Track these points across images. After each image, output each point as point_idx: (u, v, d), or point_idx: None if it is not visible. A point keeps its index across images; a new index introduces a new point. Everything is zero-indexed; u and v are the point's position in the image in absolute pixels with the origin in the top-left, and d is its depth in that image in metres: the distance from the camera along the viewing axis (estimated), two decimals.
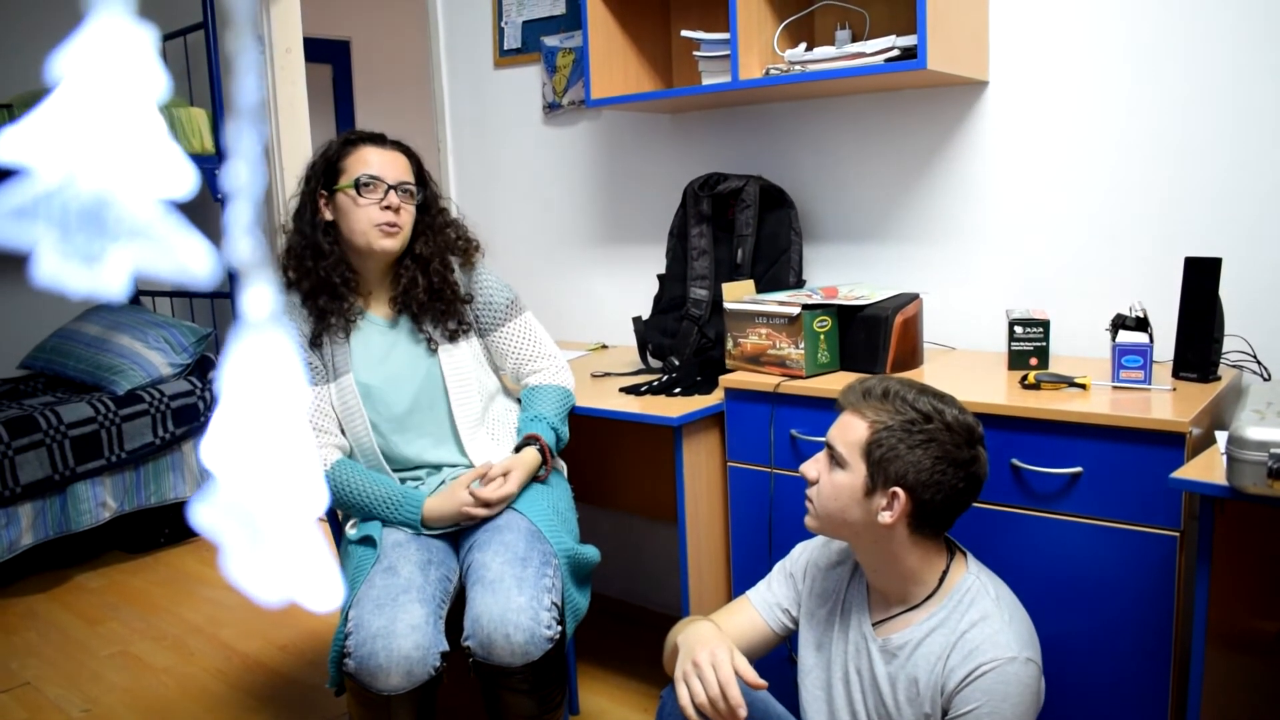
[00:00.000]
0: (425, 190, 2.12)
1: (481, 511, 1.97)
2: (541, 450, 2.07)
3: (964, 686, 1.43)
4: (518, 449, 2.07)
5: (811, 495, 1.56)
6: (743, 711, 1.45)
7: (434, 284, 2.09)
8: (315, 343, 2.05)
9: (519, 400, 2.21)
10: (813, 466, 1.56)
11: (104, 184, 0.24)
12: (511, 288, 2.22)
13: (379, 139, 2.08)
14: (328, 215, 2.04)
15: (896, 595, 1.55)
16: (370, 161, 2.02)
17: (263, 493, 0.28)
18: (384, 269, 2.09)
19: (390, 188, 2.01)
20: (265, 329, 0.28)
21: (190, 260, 0.26)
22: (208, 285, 0.36)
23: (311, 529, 0.30)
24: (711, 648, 1.49)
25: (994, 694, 1.41)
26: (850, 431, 1.49)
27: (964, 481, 1.46)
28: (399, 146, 2.10)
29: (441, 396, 2.08)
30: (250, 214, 0.28)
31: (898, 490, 1.44)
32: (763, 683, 1.48)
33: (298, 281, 2.05)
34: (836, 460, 1.51)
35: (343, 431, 2.07)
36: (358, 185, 1.99)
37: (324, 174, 2.05)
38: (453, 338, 2.11)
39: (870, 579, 1.59)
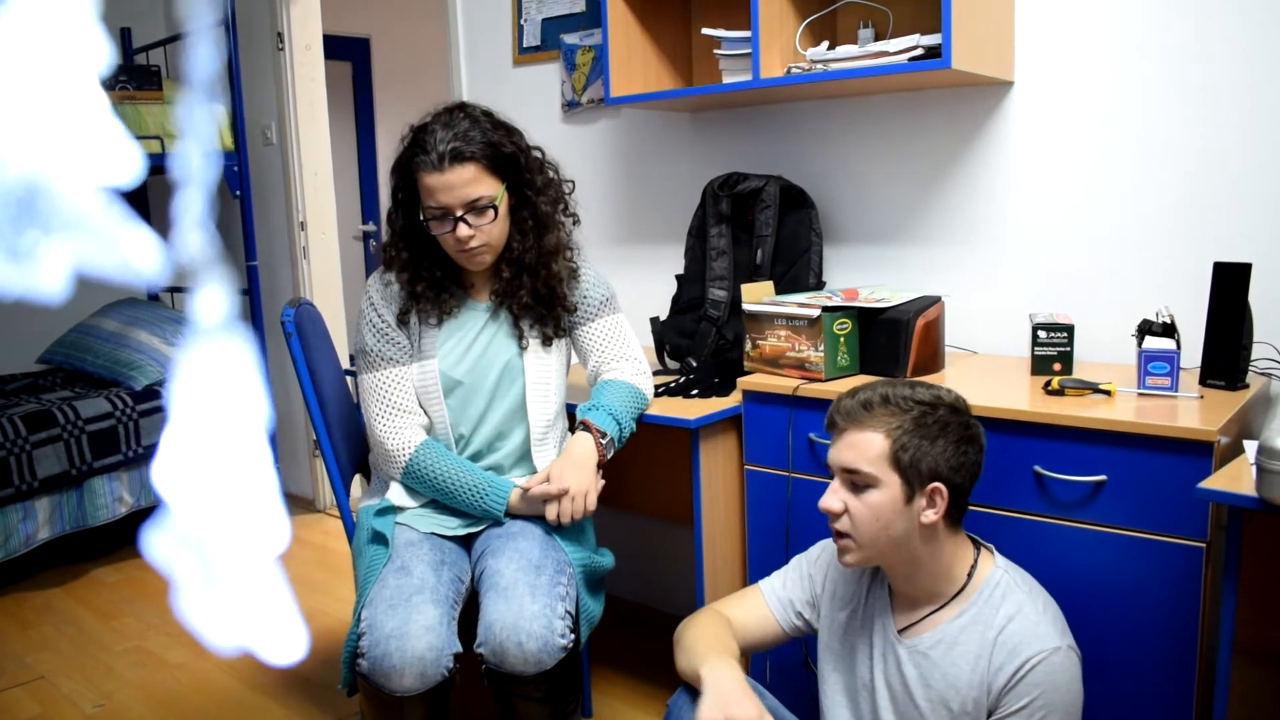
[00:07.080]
0: (516, 189, 1.99)
1: (565, 507, 1.90)
2: (589, 432, 1.94)
3: (1015, 683, 1.42)
4: (573, 430, 2.00)
5: (844, 529, 1.49)
6: None
7: (539, 291, 2.01)
8: (403, 319, 2.01)
9: None
10: (834, 498, 1.50)
11: (37, 169, 0.22)
12: (610, 285, 2.15)
13: (438, 161, 1.87)
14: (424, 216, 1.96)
15: (925, 596, 1.53)
16: (431, 190, 1.88)
17: (217, 524, 0.25)
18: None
19: (457, 219, 1.89)
20: (220, 335, 0.26)
21: (134, 255, 0.24)
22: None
23: (271, 568, 0.28)
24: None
25: (1046, 685, 1.41)
26: (867, 448, 1.46)
27: (979, 453, 1.50)
28: (459, 158, 1.87)
29: (519, 397, 2.04)
30: (203, 203, 0.26)
31: (937, 485, 1.44)
32: None
33: (400, 261, 1.99)
34: (863, 483, 1.47)
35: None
36: (428, 219, 1.92)
37: (407, 183, 1.96)
38: (546, 342, 2.04)
39: (898, 585, 1.56)
